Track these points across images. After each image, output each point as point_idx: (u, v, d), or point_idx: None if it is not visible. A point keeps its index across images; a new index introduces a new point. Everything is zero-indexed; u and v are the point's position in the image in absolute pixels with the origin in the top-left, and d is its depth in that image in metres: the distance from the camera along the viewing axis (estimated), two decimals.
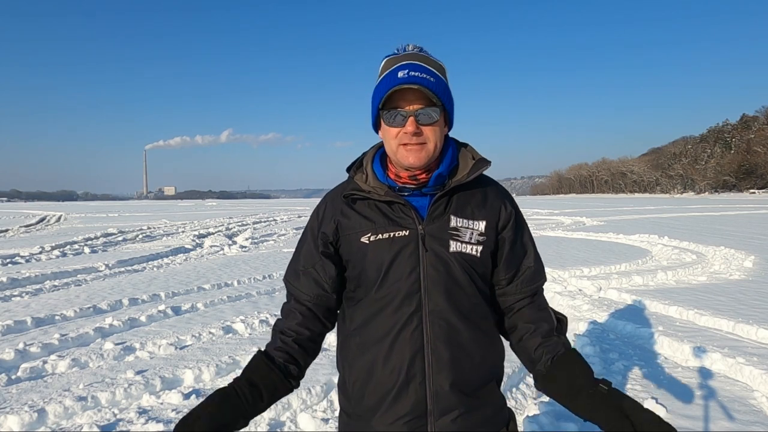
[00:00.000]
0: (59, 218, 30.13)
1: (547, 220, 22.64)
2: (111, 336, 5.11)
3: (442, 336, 1.25)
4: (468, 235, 1.28)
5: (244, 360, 4.24)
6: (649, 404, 3.30)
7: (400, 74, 1.23)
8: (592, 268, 8.62)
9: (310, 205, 57.27)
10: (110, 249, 12.78)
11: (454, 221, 1.28)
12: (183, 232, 17.96)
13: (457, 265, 1.27)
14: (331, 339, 4.76)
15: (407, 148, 1.25)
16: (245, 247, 13.09)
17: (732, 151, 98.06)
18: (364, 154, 1.41)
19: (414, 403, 1.25)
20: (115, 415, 3.34)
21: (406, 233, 1.27)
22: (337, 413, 3.28)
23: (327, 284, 1.35)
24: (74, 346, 4.81)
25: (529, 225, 1.44)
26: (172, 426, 3.29)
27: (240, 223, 22.22)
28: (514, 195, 1.45)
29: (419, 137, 1.24)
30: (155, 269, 9.51)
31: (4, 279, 7.83)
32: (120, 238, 15.46)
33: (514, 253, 1.35)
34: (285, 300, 1.43)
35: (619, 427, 1.10)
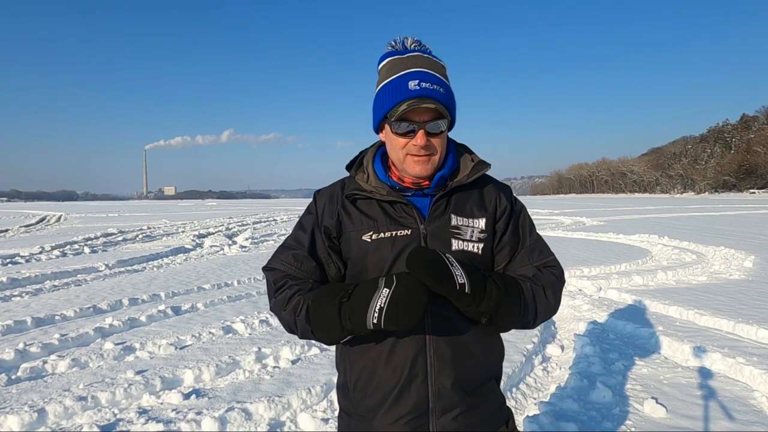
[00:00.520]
0: (59, 218, 30.12)
1: (547, 220, 22.63)
2: (111, 336, 5.11)
3: (444, 335, 1.26)
4: (469, 233, 1.29)
5: (244, 360, 4.24)
6: (649, 404, 3.31)
7: (411, 85, 1.21)
8: (592, 268, 8.61)
9: None
10: (110, 249, 12.78)
11: (455, 220, 1.29)
12: (183, 232, 17.95)
13: None
14: None
15: (415, 159, 1.25)
16: (245, 247, 13.08)
17: (732, 151, 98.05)
18: (364, 152, 1.41)
19: (416, 402, 1.25)
20: (115, 415, 3.34)
21: (408, 232, 1.27)
22: (337, 413, 3.28)
23: (332, 272, 1.35)
24: (74, 346, 4.81)
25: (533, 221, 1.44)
26: (172, 426, 3.29)
27: (240, 223, 22.21)
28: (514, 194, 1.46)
29: (428, 149, 1.25)
30: (155, 269, 9.50)
31: (4, 279, 7.83)
32: (120, 238, 15.46)
33: (509, 240, 1.35)
34: (270, 284, 1.36)
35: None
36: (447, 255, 1.14)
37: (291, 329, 1.29)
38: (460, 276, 1.11)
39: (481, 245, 1.30)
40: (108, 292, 7.22)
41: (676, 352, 4.42)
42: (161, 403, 3.51)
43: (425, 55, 1.28)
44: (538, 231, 1.43)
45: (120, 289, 7.45)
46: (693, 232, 14.43)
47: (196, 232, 17.33)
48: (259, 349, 4.46)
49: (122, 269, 9.42)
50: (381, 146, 1.39)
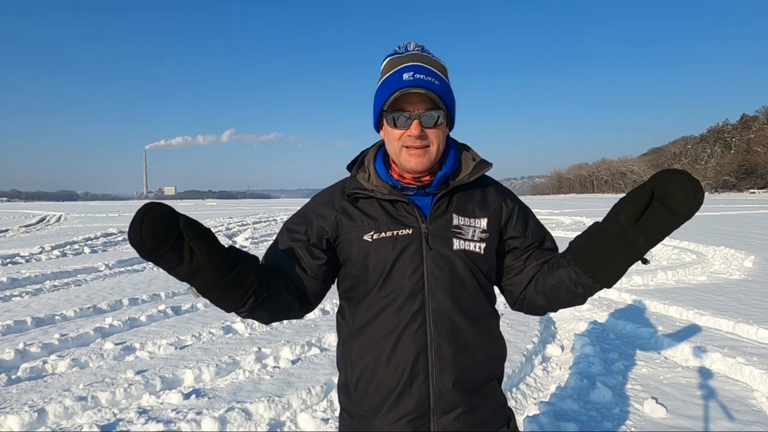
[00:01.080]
0: (59, 218, 30.12)
1: (547, 220, 22.63)
2: (111, 336, 5.11)
3: (446, 334, 1.26)
4: (471, 233, 1.29)
5: (244, 360, 4.24)
6: (649, 404, 3.31)
7: (405, 76, 1.23)
8: None
9: None
10: (110, 249, 12.78)
11: (457, 219, 1.29)
12: None
13: (460, 263, 1.27)
14: (331, 339, 4.75)
15: (410, 151, 1.25)
16: (245, 247, 13.09)
17: (732, 151, 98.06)
18: (365, 152, 1.41)
19: (417, 402, 1.25)
20: (115, 415, 3.34)
21: (410, 232, 1.27)
22: (337, 413, 3.28)
23: (306, 265, 1.29)
24: (74, 346, 4.81)
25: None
26: (172, 426, 3.29)
27: (240, 223, 22.20)
28: None
29: (423, 140, 1.24)
30: (155, 269, 9.49)
31: (4, 279, 7.83)
32: (120, 238, 15.45)
33: (528, 239, 1.37)
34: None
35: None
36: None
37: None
38: None
39: (483, 245, 1.30)
40: (108, 292, 7.22)
41: (676, 352, 4.42)
42: (161, 403, 3.51)
43: (424, 54, 1.29)
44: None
45: (120, 289, 7.45)
46: (693, 232, 14.42)
47: None
48: (259, 349, 4.46)
49: (122, 269, 9.42)
50: (382, 145, 1.39)
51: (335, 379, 2.93)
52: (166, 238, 0.94)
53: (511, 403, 3.28)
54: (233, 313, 1.15)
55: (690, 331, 4.92)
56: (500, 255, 1.37)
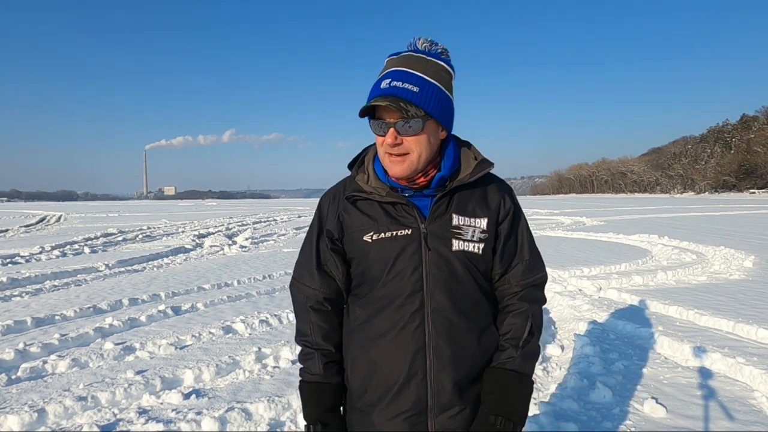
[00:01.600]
0: (59, 218, 30.12)
1: (547, 220, 22.64)
2: (111, 336, 5.11)
3: (444, 334, 1.26)
4: (470, 233, 1.29)
5: (244, 360, 4.24)
6: (649, 404, 3.31)
7: (383, 84, 1.21)
8: (592, 268, 8.62)
9: (310, 204, 57.26)
10: (110, 249, 12.78)
11: (456, 220, 1.29)
12: (183, 232, 17.95)
13: (459, 263, 1.28)
14: None
15: (391, 158, 1.25)
16: (245, 247, 13.09)
17: (732, 151, 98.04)
18: (366, 150, 1.41)
19: (415, 400, 1.26)
20: (115, 415, 3.34)
21: (409, 232, 1.27)
22: None
23: (339, 280, 1.38)
24: (74, 346, 4.81)
25: (529, 224, 1.44)
26: (172, 426, 3.29)
27: (240, 223, 22.21)
28: None
29: (400, 148, 1.23)
30: (155, 269, 9.50)
31: (4, 279, 7.83)
32: (120, 238, 15.46)
33: (507, 248, 1.36)
34: (296, 309, 1.42)
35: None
36: None
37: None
38: None
39: (481, 245, 1.30)
40: (108, 292, 7.22)
41: (676, 352, 4.42)
42: (161, 403, 3.51)
43: (419, 55, 1.25)
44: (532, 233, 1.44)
45: (120, 289, 7.45)
46: (693, 232, 14.43)
47: (196, 232, 17.32)
48: (259, 349, 4.46)
49: (122, 269, 9.42)
50: None
51: None
52: None
53: None
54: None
55: (690, 331, 4.92)
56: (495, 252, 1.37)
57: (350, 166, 1.39)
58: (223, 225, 21.11)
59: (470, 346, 1.29)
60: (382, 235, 1.28)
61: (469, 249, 1.28)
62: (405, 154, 1.23)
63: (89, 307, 6.16)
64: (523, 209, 1.41)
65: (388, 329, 1.28)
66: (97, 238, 15.46)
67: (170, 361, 4.33)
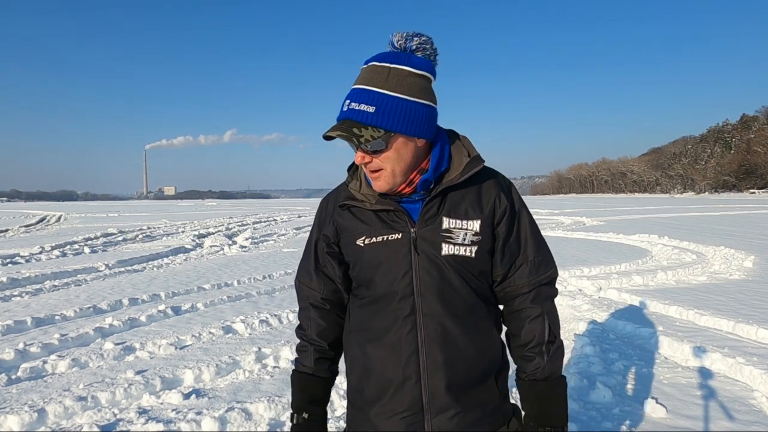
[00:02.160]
0: (59, 218, 30.12)
1: (547, 220, 22.63)
2: (111, 336, 5.11)
3: (437, 339, 1.25)
4: (461, 237, 1.26)
5: (244, 360, 4.24)
6: (649, 404, 3.31)
7: (344, 106, 1.20)
8: (592, 268, 8.62)
9: (310, 204, 57.30)
10: (110, 249, 12.78)
11: (447, 223, 1.26)
12: (183, 232, 17.95)
13: (450, 268, 1.25)
14: None
15: (369, 174, 1.26)
16: (245, 247, 13.09)
17: (732, 151, 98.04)
18: None
19: (411, 402, 1.26)
20: (115, 415, 3.34)
21: (399, 236, 1.26)
22: (336, 413, 3.29)
23: (337, 281, 1.40)
24: (74, 346, 4.81)
25: (534, 218, 1.39)
26: (172, 426, 3.29)
27: (240, 223, 22.21)
28: None
29: (371, 165, 1.22)
30: (155, 269, 9.50)
31: (4, 279, 7.83)
32: (120, 238, 15.46)
33: (508, 248, 1.32)
34: (299, 305, 1.48)
35: None
36: None
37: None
38: None
39: (474, 248, 1.26)
40: (108, 292, 7.22)
41: (676, 352, 4.42)
42: (161, 403, 3.51)
43: (382, 65, 1.20)
44: (540, 230, 1.39)
45: (120, 289, 7.45)
46: (693, 232, 14.43)
47: (196, 232, 17.33)
48: (259, 349, 4.46)
49: (122, 269, 9.42)
50: None
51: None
52: None
53: None
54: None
55: (690, 331, 4.92)
56: (492, 254, 1.32)
57: (350, 169, 1.39)
58: (223, 225, 21.11)
59: (466, 351, 1.27)
60: (374, 239, 1.28)
61: (460, 253, 1.25)
62: (379, 170, 1.23)
63: (89, 307, 6.16)
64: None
65: (382, 332, 1.28)
66: (97, 238, 15.46)
67: (170, 361, 4.34)
